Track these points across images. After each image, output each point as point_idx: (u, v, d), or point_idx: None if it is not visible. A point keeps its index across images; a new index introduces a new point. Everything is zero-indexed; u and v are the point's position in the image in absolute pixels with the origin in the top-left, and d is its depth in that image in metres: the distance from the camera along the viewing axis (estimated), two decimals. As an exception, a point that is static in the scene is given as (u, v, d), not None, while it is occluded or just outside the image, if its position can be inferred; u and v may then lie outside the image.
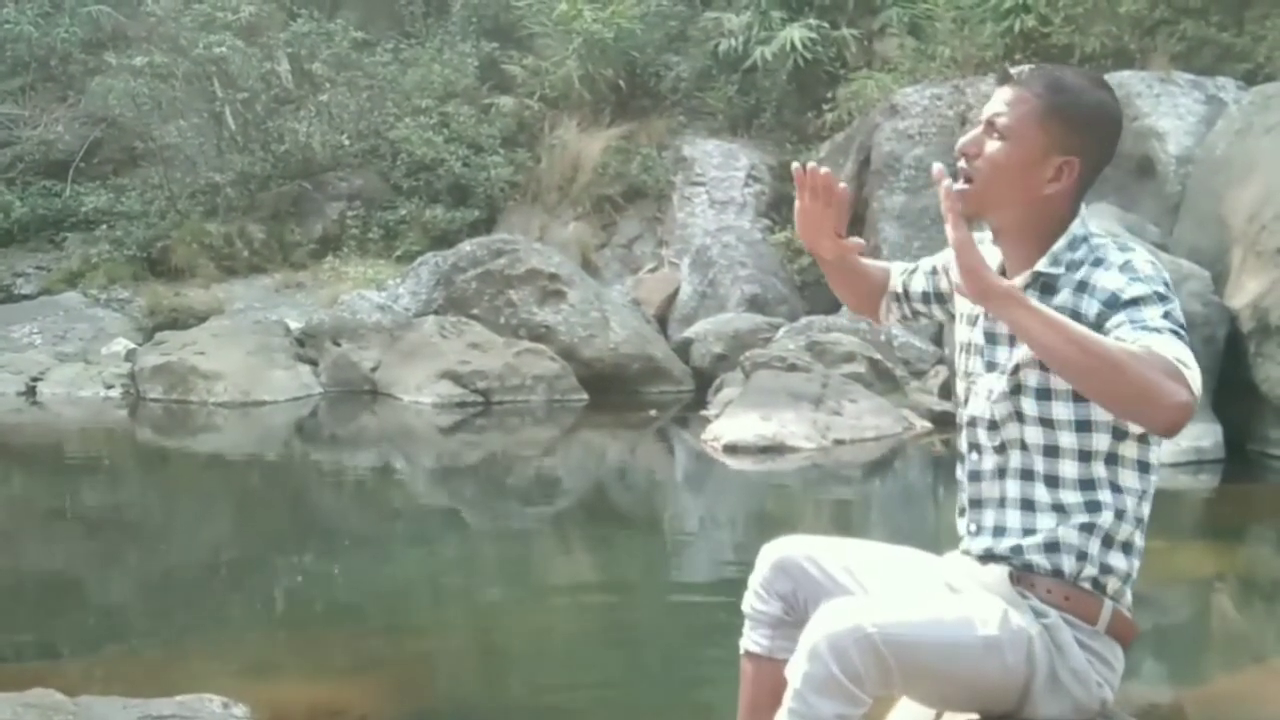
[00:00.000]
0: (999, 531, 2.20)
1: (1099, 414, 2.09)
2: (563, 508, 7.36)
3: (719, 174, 11.96)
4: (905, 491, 7.84)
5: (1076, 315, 2.03)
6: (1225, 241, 7.92)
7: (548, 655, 4.57)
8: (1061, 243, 2.13)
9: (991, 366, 2.20)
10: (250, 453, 9.16)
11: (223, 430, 9.58)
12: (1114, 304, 2.03)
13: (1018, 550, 2.16)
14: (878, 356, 9.18)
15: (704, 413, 9.10)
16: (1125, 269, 2.06)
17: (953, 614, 2.13)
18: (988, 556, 2.21)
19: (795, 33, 12.06)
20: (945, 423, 8.27)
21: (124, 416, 9.95)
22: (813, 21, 12.23)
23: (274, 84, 13.58)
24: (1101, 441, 2.12)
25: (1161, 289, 2.04)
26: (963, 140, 2.20)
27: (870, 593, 2.27)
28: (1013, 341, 2.14)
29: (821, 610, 2.10)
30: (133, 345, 10.97)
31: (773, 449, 7.88)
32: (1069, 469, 2.13)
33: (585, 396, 10.01)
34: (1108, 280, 2.05)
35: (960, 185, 2.13)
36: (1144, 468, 2.16)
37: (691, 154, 12.21)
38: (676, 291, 11.38)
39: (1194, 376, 1.93)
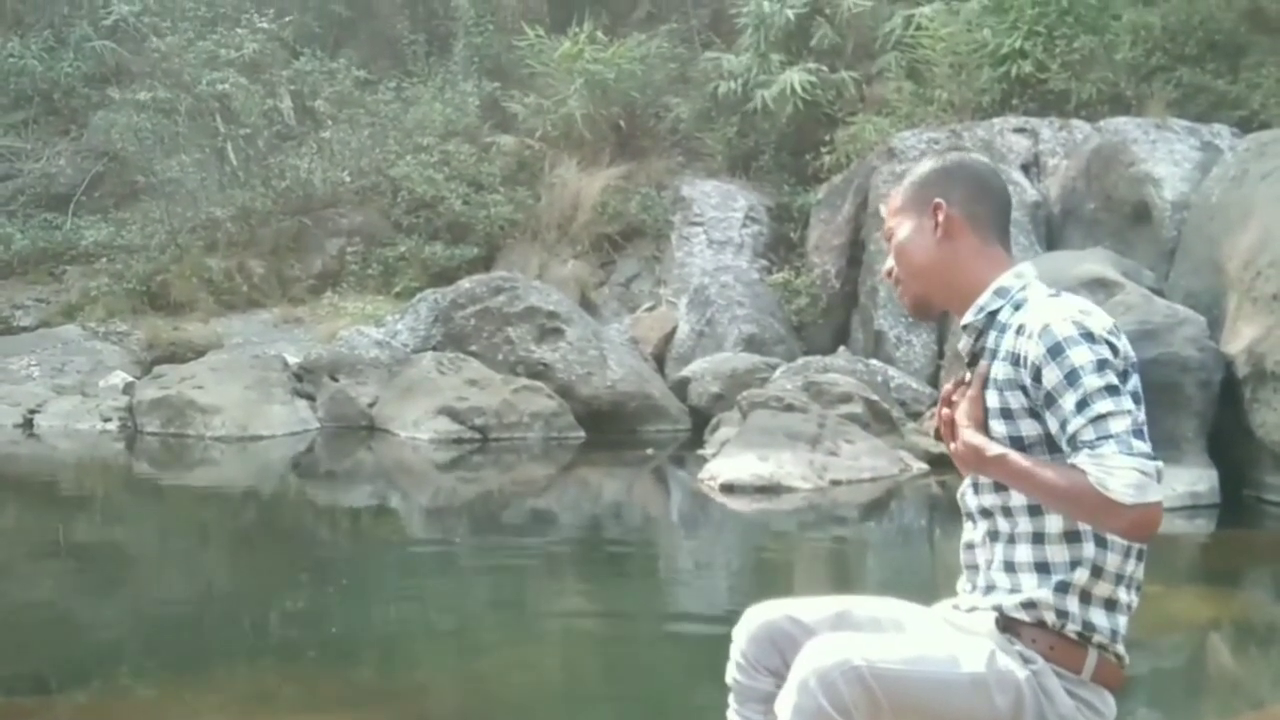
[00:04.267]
0: (988, 590, 2.22)
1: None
2: (558, 545, 7.35)
3: (717, 214, 12.02)
4: (902, 533, 7.84)
5: (1023, 387, 2.12)
6: (1221, 287, 7.96)
7: (542, 693, 4.55)
8: (986, 296, 2.22)
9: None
10: (247, 487, 9.15)
11: (220, 464, 9.57)
12: (1045, 393, 2.08)
13: (999, 607, 2.19)
14: (874, 397, 9.19)
15: (701, 452, 9.10)
16: (1042, 337, 2.08)
17: (941, 650, 2.15)
18: (974, 610, 2.23)
19: (794, 76, 12.16)
20: (942, 464, 8.28)
21: (121, 449, 9.94)
22: (812, 65, 12.32)
23: (276, 120, 13.67)
24: None
25: (1078, 355, 2.06)
26: (884, 269, 2.41)
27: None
28: (1000, 413, 2.18)
29: (809, 645, 2.12)
30: (131, 379, 10.97)
31: (769, 489, 7.88)
32: (1054, 523, 2.15)
33: (582, 434, 10.01)
34: (1032, 354, 2.10)
35: (897, 291, 2.36)
36: None
37: (690, 194, 12.28)
38: (674, 330, 11.41)
39: (1116, 482, 1.98)
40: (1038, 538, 2.16)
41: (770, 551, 7.21)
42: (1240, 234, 7.93)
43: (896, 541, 7.60)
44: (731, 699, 2.34)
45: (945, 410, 2.23)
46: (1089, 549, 2.14)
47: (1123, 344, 2.12)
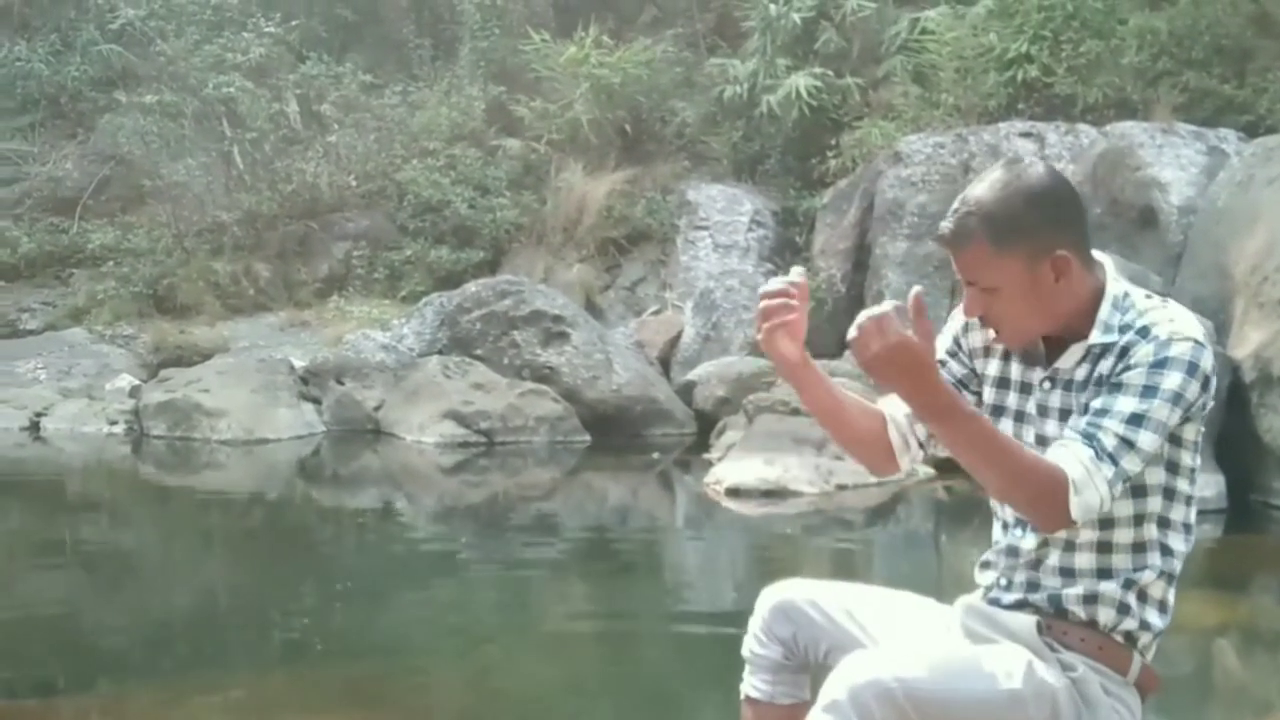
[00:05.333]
0: (1033, 587, 2.19)
1: (1152, 477, 2.11)
2: (564, 549, 7.35)
3: (723, 218, 12.02)
4: (908, 537, 7.83)
5: (1124, 350, 2.07)
6: (1227, 292, 7.95)
7: (547, 696, 4.55)
8: (1106, 308, 2.13)
9: (1042, 440, 2.18)
10: (252, 491, 9.16)
11: (226, 468, 9.58)
12: (1116, 380, 2.05)
13: (1055, 599, 2.16)
14: (880, 402, 9.18)
15: (706, 456, 9.09)
16: (1161, 347, 2.04)
17: (976, 667, 2.11)
18: (1019, 605, 2.20)
19: (800, 81, 12.16)
20: (948, 469, 8.25)
21: (127, 453, 9.95)
22: (817, 70, 12.32)
23: (282, 124, 13.69)
24: (1155, 504, 2.14)
25: (1172, 380, 2.02)
26: (966, 307, 2.19)
27: (875, 638, 2.26)
28: (1062, 416, 2.15)
29: (843, 663, 2.09)
30: (137, 382, 10.98)
31: (775, 493, 7.88)
32: (1123, 535, 2.14)
33: (588, 438, 10.01)
34: (1139, 351, 2.06)
35: (992, 335, 2.19)
36: (1188, 529, 2.18)
37: (696, 198, 12.28)
38: (680, 334, 11.40)
39: (1080, 501, 1.99)
40: (1103, 546, 2.14)
41: (776, 556, 7.20)
42: (1247, 239, 7.92)
43: (902, 546, 7.60)
44: (747, 670, 2.36)
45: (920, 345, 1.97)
46: (1155, 558, 2.14)
47: (1213, 379, 2.10)
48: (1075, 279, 2.11)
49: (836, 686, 2.03)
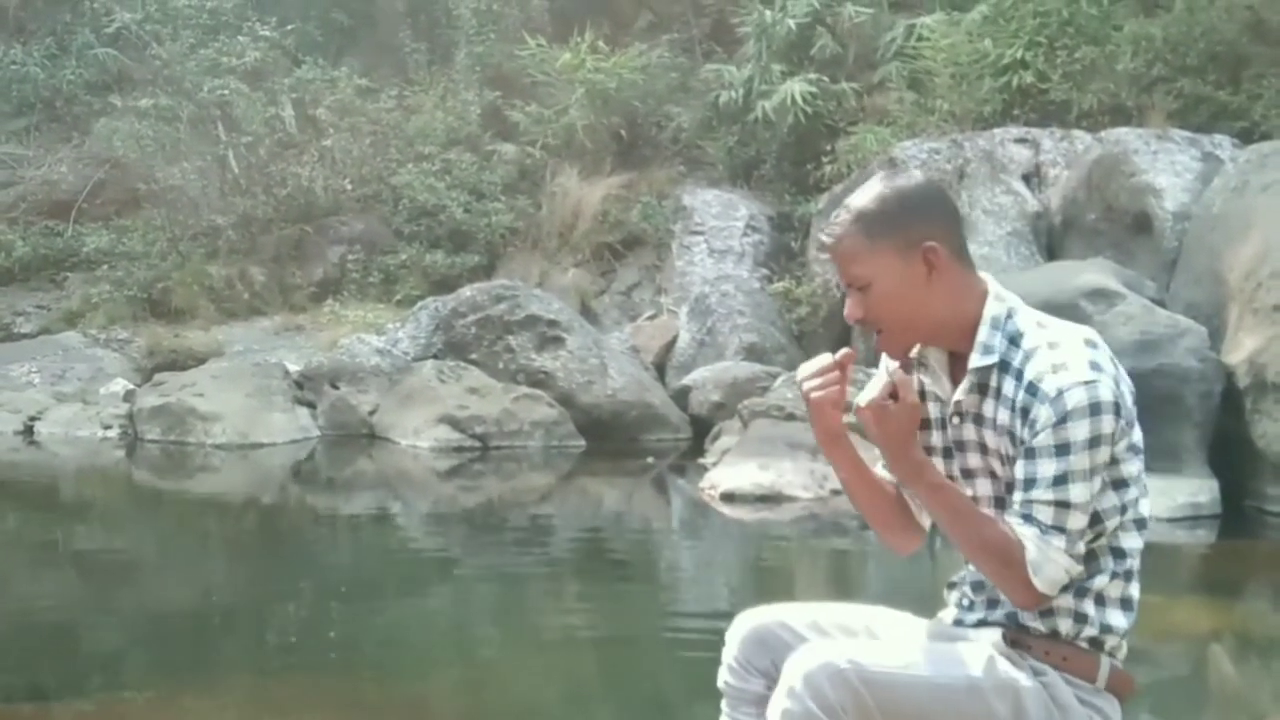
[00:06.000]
0: (992, 605, 2.22)
1: (1105, 502, 2.13)
2: (559, 554, 7.35)
3: (718, 223, 12.02)
4: (902, 543, 7.82)
5: (1012, 434, 2.12)
6: (1222, 298, 7.96)
7: (542, 703, 4.55)
8: (984, 329, 2.15)
9: (967, 473, 2.23)
10: (247, 495, 9.15)
11: (220, 472, 9.57)
12: (1029, 446, 2.08)
13: (1013, 616, 2.18)
14: (875, 407, 9.18)
15: (701, 461, 9.09)
16: (1055, 405, 2.06)
17: (933, 654, 2.14)
18: (981, 624, 2.22)
19: (795, 86, 12.17)
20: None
21: (121, 457, 9.94)
22: (813, 75, 12.33)
23: (278, 128, 13.68)
24: (1112, 524, 2.15)
25: (1079, 431, 2.04)
26: (848, 311, 2.24)
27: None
28: (981, 450, 2.19)
29: (796, 651, 2.13)
30: (131, 386, 10.97)
31: (770, 498, 7.88)
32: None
33: (583, 443, 10.01)
34: (1039, 413, 2.07)
35: (876, 341, 2.21)
36: (1142, 524, 2.18)
37: (691, 203, 12.28)
38: (675, 339, 11.41)
39: (1044, 579, 2.06)
40: None
41: (770, 561, 7.20)
42: (1241, 245, 7.93)
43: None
44: (724, 703, 2.35)
45: (900, 413, 2.13)
46: (1108, 562, 2.15)
47: (1128, 395, 2.11)
48: (950, 278, 2.15)
49: (791, 673, 2.07)
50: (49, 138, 14.62)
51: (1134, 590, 2.18)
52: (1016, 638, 2.16)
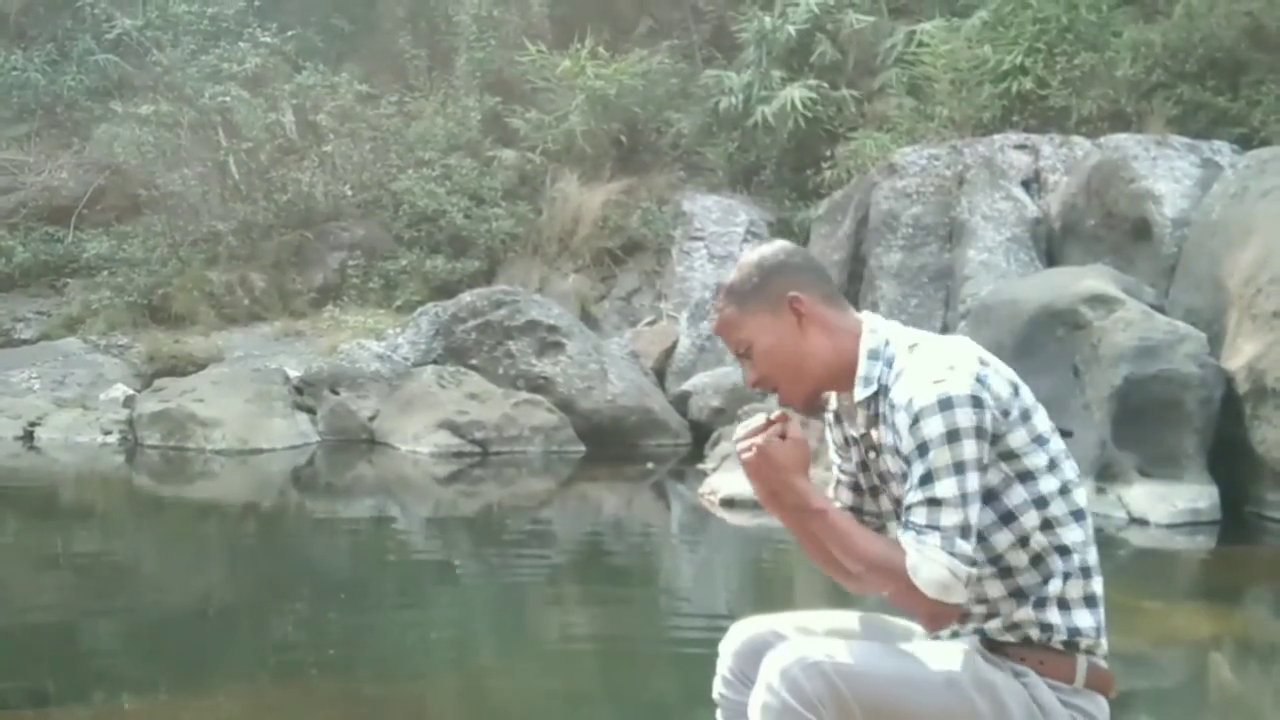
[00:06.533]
0: (963, 618, 2.23)
1: (1013, 498, 2.15)
2: (558, 560, 7.34)
3: (718, 229, 12.04)
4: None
5: (898, 452, 2.17)
6: (1221, 304, 7.97)
7: (540, 707, 4.55)
8: (863, 363, 2.23)
9: (897, 502, 2.25)
10: (247, 501, 9.15)
11: (220, 478, 9.57)
12: (903, 457, 2.14)
13: (981, 631, 2.21)
14: (875, 413, 9.18)
15: (701, 466, 9.10)
16: (907, 411, 2.11)
17: (913, 651, 2.17)
18: (954, 637, 2.24)
19: (795, 92, 12.19)
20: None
21: (121, 463, 9.94)
22: (812, 81, 12.35)
23: (278, 134, 13.69)
24: (1031, 519, 2.16)
25: (933, 427, 2.08)
26: (746, 379, 2.37)
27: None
28: (902, 479, 2.20)
29: (774, 648, 2.16)
30: (131, 392, 10.97)
31: (769, 504, 7.86)
32: (1016, 558, 2.17)
33: (582, 448, 10.01)
34: (899, 422, 2.14)
35: (778, 398, 2.33)
36: (1079, 515, 2.20)
37: (691, 209, 12.30)
38: (675, 344, 11.41)
39: (926, 580, 2.08)
40: (1004, 572, 2.18)
41: (770, 566, 7.20)
42: (1241, 251, 7.93)
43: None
44: (719, 714, 2.36)
45: (760, 442, 2.23)
46: (1056, 562, 2.17)
47: (994, 387, 2.13)
48: (822, 322, 2.26)
49: (769, 669, 2.10)
50: (49, 143, 14.63)
51: (1095, 585, 2.19)
52: (994, 646, 2.18)
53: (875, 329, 2.26)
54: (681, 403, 10.55)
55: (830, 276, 2.41)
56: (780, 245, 2.39)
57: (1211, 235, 8.33)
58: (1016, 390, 2.16)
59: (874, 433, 2.22)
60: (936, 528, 2.06)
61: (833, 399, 2.36)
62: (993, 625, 2.18)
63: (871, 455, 2.27)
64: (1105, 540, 7.13)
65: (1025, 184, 10.31)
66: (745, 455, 2.27)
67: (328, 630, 5.52)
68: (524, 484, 9.35)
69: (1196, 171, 9.12)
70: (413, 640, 5.43)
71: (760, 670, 2.12)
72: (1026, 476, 2.15)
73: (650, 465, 9.82)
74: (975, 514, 2.08)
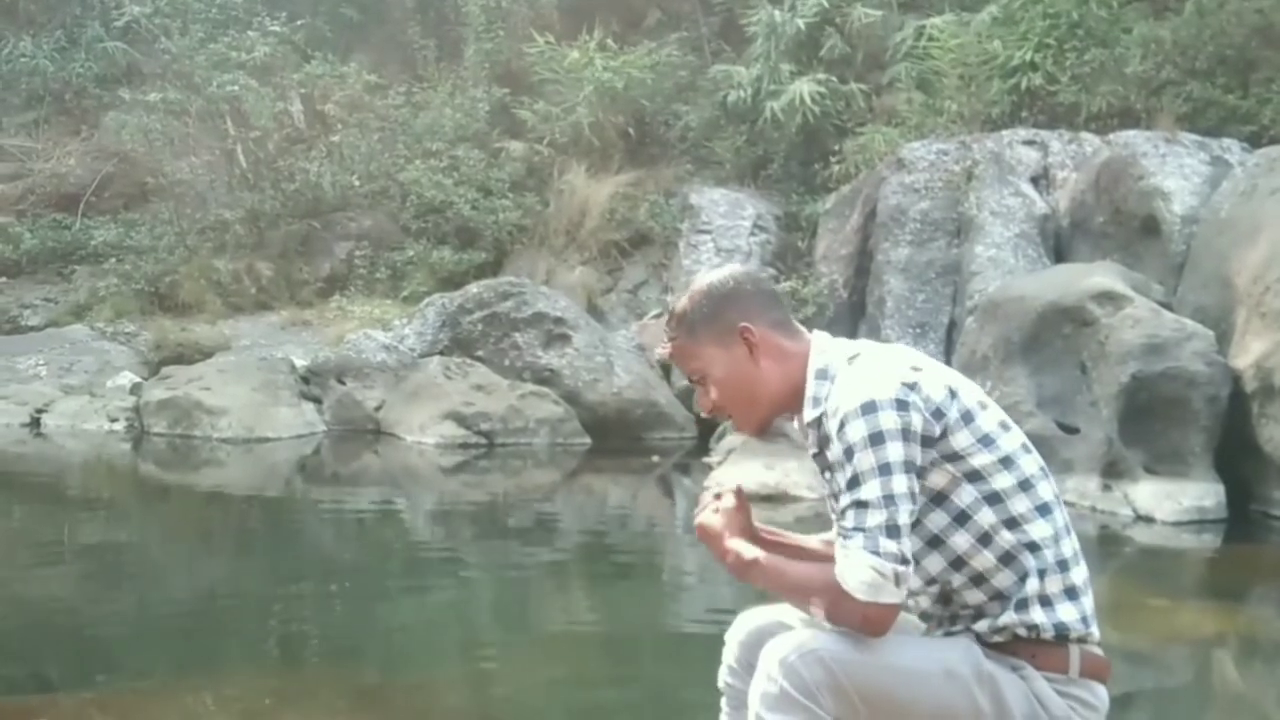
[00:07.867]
0: (953, 620, 2.25)
1: (964, 497, 2.15)
2: (563, 552, 7.35)
3: (725, 222, 12.02)
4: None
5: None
6: (1229, 302, 7.95)
7: (545, 698, 4.55)
8: (811, 384, 2.24)
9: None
10: (252, 489, 9.16)
11: (226, 466, 9.59)
12: (841, 469, 2.14)
13: (972, 633, 2.21)
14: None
15: (706, 459, 9.10)
16: (833, 420, 2.15)
17: (910, 641, 2.18)
18: (949, 634, 2.26)
19: (804, 87, 12.17)
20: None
21: (127, 450, 9.96)
22: (821, 76, 12.33)
23: (286, 124, 13.71)
24: (986, 518, 2.15)
25: (856, 432, 2.10)
26: (700, 404, 2.40)
27: None
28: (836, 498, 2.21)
29: (774, 638, 2.17)
30: (138, 379, 11.00)
31: (775, 497, 7.88)
32: (983, 560, 2.17)
33: (588, 440, 10.02)
34: (829, 431, 2.17)
35: (734, 424, 2.39)
36: (1045, 510, 2.19)
37: (698, 202, 12.29)
38: (681, 338, 11.39)
39: (854, 582, 2.08)
40: (977, 579, 2.19)
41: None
42: (1249, 249, 7.92)
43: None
44: (724, 703, 2.38)
45: (708, 520, 2.30)
46: (1027, 560, 2.17)
47: (926, 390, 2.14)
48: (773, 350, 2.27)
49: (768, 658, 2.11)
50: (58, 131, 14.66)
51: (1075, 576, 2.19)
52: (985, 643, 2.19)
53: (822, 350, 2.27)
54: (687, 396, 10.53)
55: (781, 300, 2.41)
56: (730, 272, 2.38)
57: (1220, 233, 8.32)
58: (954, 393, 2.16)
59: (827, 452, 2.22)
60: (861, 529, 2.07)
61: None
62: (981, 626, 2.19)
63: (827, 475, 2.26)
64: (1111, 537, 7.15)
65: (1034, 180, 10.28)
66: (700, 536, 2.34)
67: (333, 618, 5.54)
68: (529, 476, 9.36)
69: (1206, 169, 9.10)
70: (417, 629, 5.44)
71: (760, 658, 2.14)
72: (975, 476, 2.15)
73: (655, 458, 9.82)
74: (905, 514, 2.07)
